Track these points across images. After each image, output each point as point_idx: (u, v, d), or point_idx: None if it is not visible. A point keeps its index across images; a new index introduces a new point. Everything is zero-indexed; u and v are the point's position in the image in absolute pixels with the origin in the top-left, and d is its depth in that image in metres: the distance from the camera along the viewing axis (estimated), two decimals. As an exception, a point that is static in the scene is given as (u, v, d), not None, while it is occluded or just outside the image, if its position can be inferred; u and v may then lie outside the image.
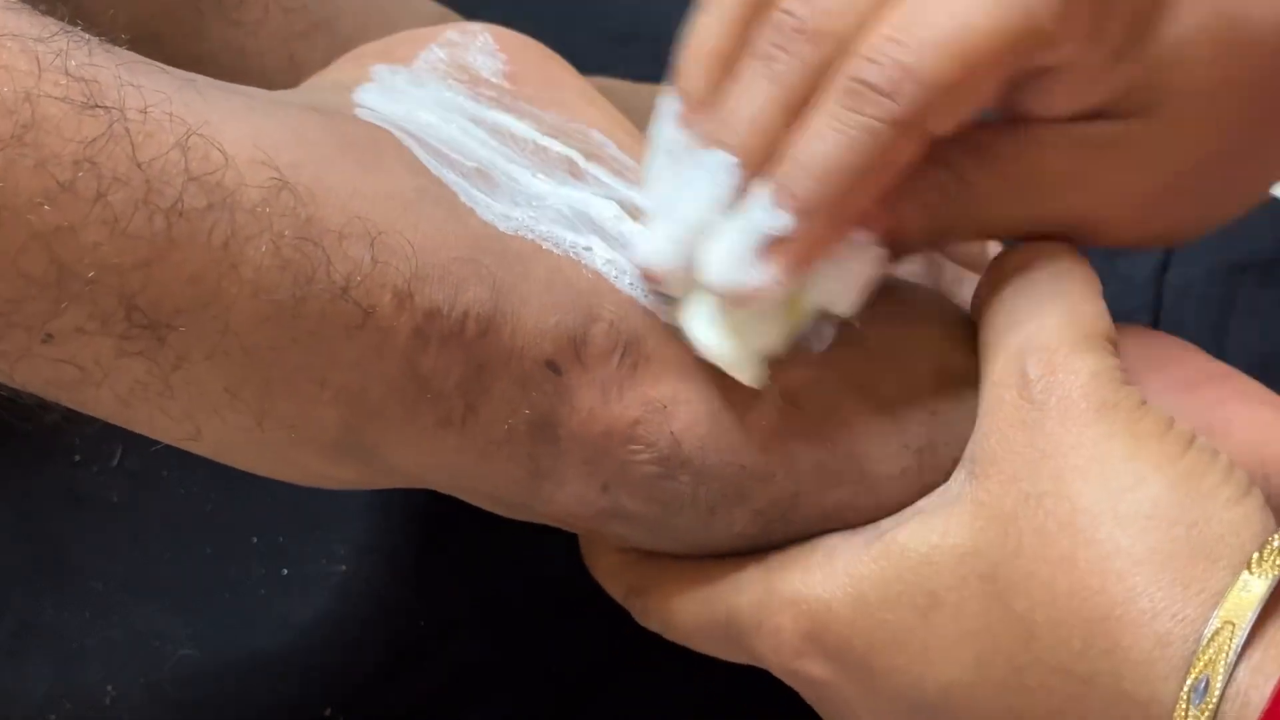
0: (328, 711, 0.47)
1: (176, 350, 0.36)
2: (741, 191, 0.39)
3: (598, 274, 0.40)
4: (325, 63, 0.44)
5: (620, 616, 0.48)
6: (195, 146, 0.35)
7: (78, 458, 0.49)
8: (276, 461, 0.39)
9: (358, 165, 0.38)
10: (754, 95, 0.39)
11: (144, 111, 0.35)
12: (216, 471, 0.49)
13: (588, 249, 0.40)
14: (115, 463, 0.49)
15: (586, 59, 0.45)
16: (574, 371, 0.39)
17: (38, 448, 0.49)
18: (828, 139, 0.38)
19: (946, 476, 0.40)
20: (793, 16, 0.39)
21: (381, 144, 0.39)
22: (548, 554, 0.48)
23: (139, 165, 0.35)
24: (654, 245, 0.39)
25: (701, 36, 0.40)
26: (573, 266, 0.40)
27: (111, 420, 0.38)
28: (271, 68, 0.50)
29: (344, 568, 0.48)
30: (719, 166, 0.39)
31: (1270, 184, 0.45)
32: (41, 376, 0.36)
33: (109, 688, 0.47)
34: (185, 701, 0.47)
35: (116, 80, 0.35)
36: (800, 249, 0.39)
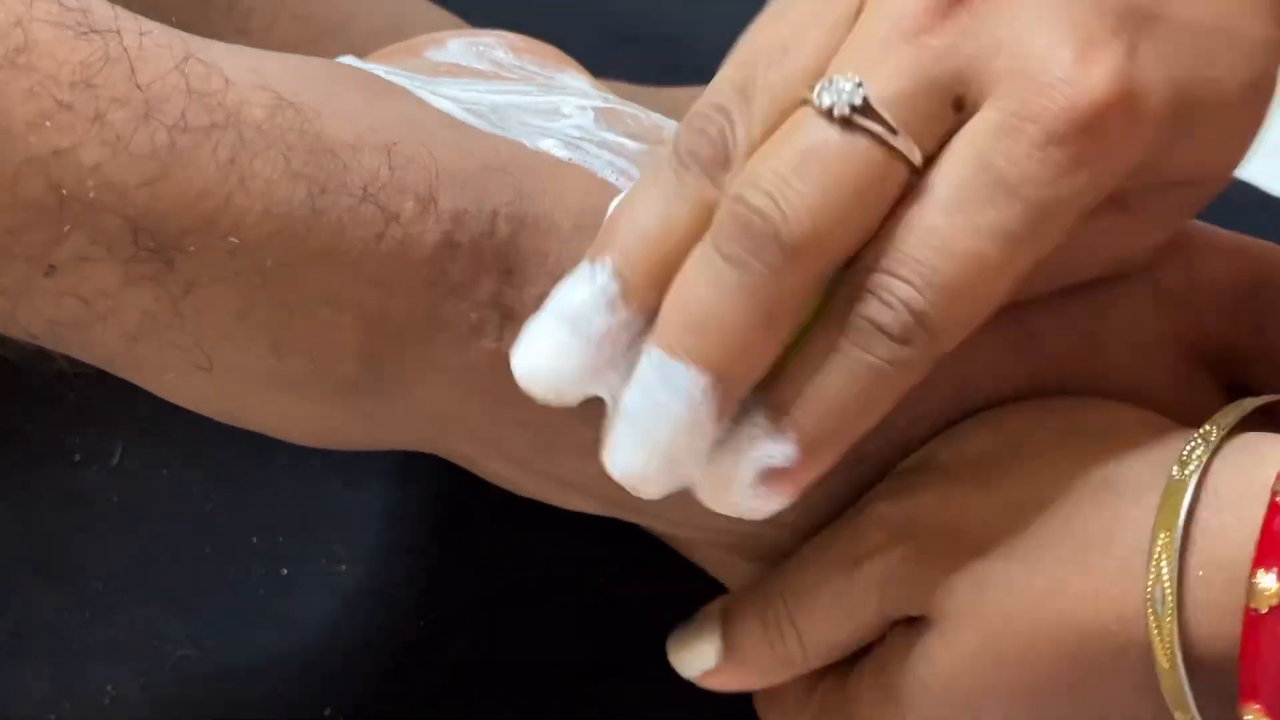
0: (328, 711, 0.47)
1: (186, 274, 0.35)
2: (720, 411, 0.36)
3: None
4: None
5: (620, 616, 0.48)
6: (195, 70, 0.35)
7: (78, 458, 0.49)
8: (288, 407, 0.38)
9: (366, 94, 0.38)
10: (726, 306, 0.36)
11: (141, 36, 0.35)
12: (216, 471, 0.49)
13: (621, 174, 0.39)
14: (115, 463, 0.49)
15: (586, 59, 0.45)
16: None
17: (38, 448, 0.49)
18: (835, 378, 0.36)
19: None
20: (763, 219, 0.35)
21: (391, 86, 0.39)
22: (548, 554, 0.49)
23: (138, 87, 0.34)
24: (634, 461, 0.37)
25: (644, 214, 0.37)
26: (601, 181, 0.39)
27: (117, 368, 0.37)
28: None
29: (344, 568, 0.48)
30: (692, 385, 0.36)
31: None
32: (45, 315, 0.35)
33: (109, 688, 0.47)
34: (185, 701, 0.47)
35: (111, 12, 0.35)
36: (805, 479, 0.37)
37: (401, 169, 0.36)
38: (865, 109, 0.35)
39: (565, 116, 0.41)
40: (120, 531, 0.49)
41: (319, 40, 0.51)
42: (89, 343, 0.36)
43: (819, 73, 0.37)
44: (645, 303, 0.36)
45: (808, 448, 0.36)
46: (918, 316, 0.36)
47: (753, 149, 0.36)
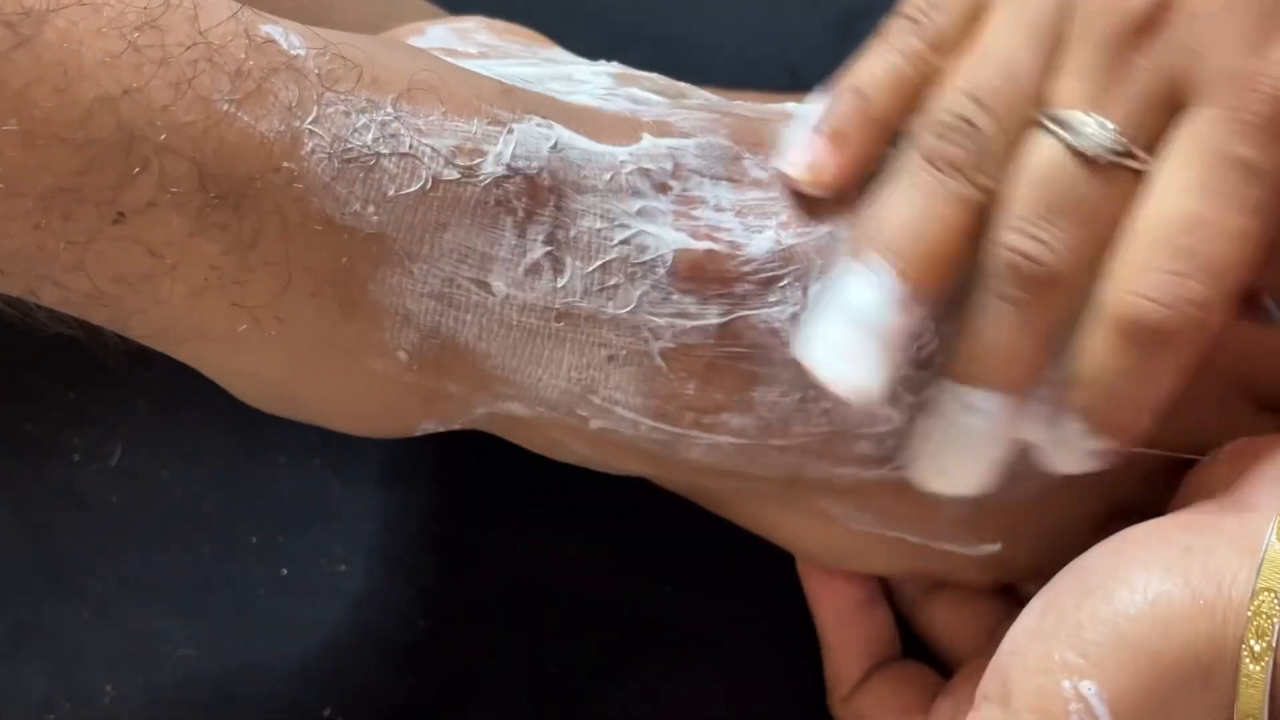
0: (327, 711, 0.47)
1: (253, 223, 0.35)
2: (1012, 421, 0.40)
3: None
4: None
5: (619, 616, 0.48)
6: (250, 21, 0.36)
7: (77, 458, 0.49)
8: (348, 382, 0.38)
9: (408, 50, 0.39)
10: (1009, 338, 0.39)
11: None
12: (216, 471, 0.49)
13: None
14: (115, 463, 0.49)
15: (586, 59, 0.45)
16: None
17: (38, 448, 0.49)
18: (1124, 379, 0.39)
19: None
20: (1034, 262, 0.39)
21: (418, 50, 0.40)
22: (548, 554, 0.49)
23: (200, 32, 0.35)
24: (952, 481, 0.41)
25: (913, 218, 0.40)
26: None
27: (175, 337, 0.37)
28: None
29: (344, 567, 0.48)
30: (987, 403, 0.40)
31: None
32: (111, 267, 0.35)
33: (108, 688, 0.47)
34: (185, 701, 0.47)
35: None
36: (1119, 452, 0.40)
37: (454, 114, 0.37)
38: (1117, 150, 0.39)
39: (583, 82, 0.41)
40: (120, 531, 0.49)
41: None
42: (153, 300, 0.36)
43: (1043, 98, 0.40)
44: (929, 299, 0.40)
45: (1122, 438, 0.40)
46: (1194, 302, 0.38)
47: (998, 159, 0.40)
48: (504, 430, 0.41)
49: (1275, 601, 0.35)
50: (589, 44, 0.46)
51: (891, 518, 0.43)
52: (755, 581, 0.45)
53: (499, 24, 0.44)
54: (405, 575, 0.48)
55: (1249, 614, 0.36)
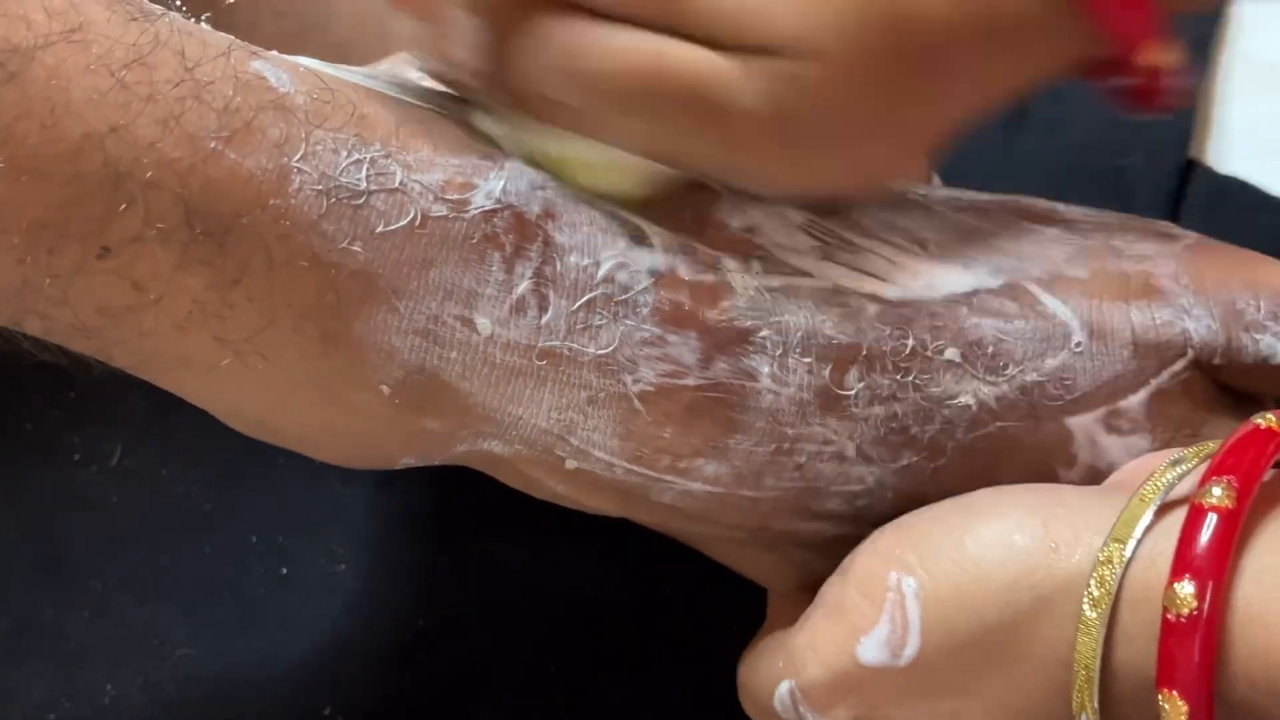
0: (327, 711, 0.47)
1: (238, 258, 0.35)
2: None
3: None
4: None
5: (619, 616, 0.48)
6: (239, 58, 0.36)
7: (77, 457, 0.49)
8: (331, 416, 0.38)
9: (398, 94, 0.39)
10: None
11: (185, 24, 0.36)
12: (216, 471, 0.49)
13: None
14: (115, 463, 0.49)
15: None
16: None
17: (38, 448, 0.49)
18: None
19: None
20: None
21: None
22: (547, 555, 0.49)
23: (188, 69, 0.35)
24: None
25: None
26: None
27: (159, 368, 0.37)
28: None
29: (344, 567, 0.48)
30: None
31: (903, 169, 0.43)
32: (95, 300, 0.35)
33: (108, 687, 0.47)
34: (185, 701, 0.47)
35: (157, 3, 0.36)
36: None
37: (444, 151, 0.38)
38: None
39: None
40: (120, 531, 0.49)
41: (300, 35, 0.51)
42: (137, 332, 0.36)
43: None
44: None
45: None
46: None
47: None
48: (483, 466, 0.41)
49: (1122, 552, 0.36)
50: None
51: None
52: (755, 581, 0.45)
53: None
54: (405, 575, 0.48)
55: (1098, 559, 0.36)
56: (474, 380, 0.38)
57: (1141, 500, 0.37)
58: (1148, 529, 0.37)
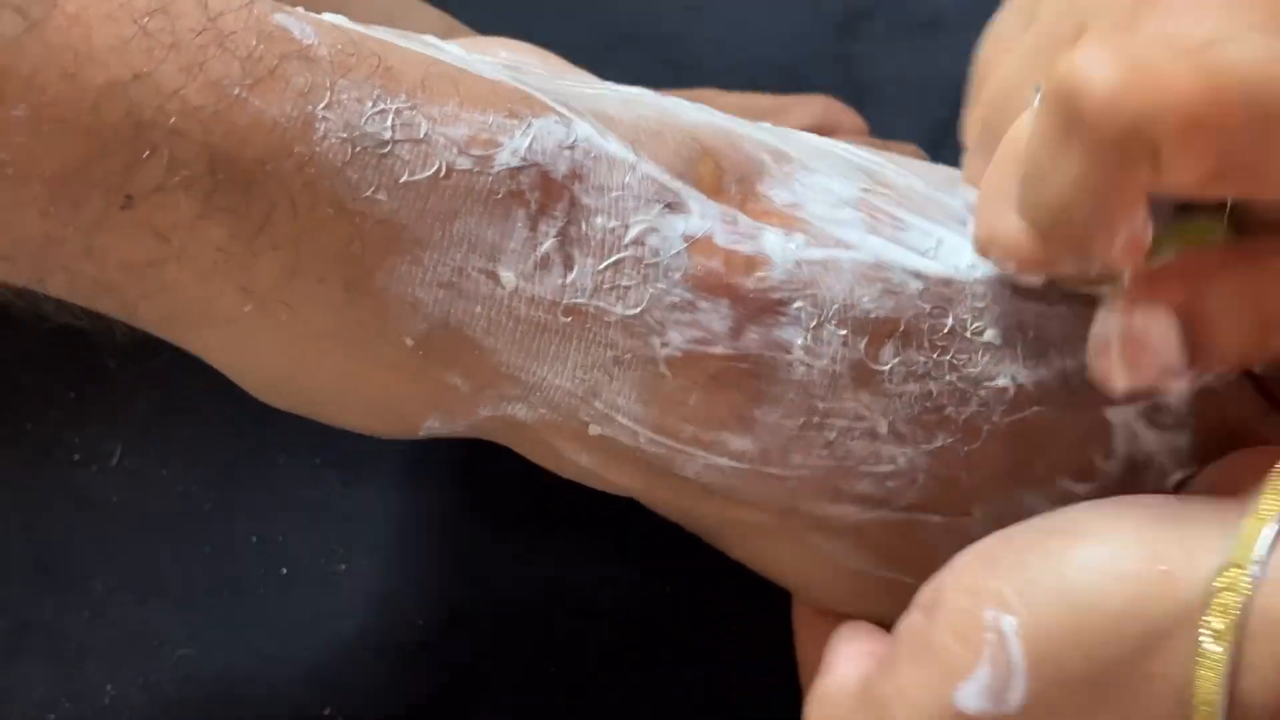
0: (327, 711, 0.47)
1: (261, 207, 0.35)
2: None
3: None
4: None
5: (619, 616, 0.48)
6: (262, 10, 0.36)
7: (77, 457, 0.49)
8: (351, 372, 0.38)
9: (423, 44, 0.39)
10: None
11: None
12: (216, 471, 0.49)
13: None
14: (115, 462, 0.49)
15: (586, 59, 0.45)
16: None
17: (38, 448, 0.49)
18: None
19: None
20: None
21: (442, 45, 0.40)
22: (548, 555, 0.49)
23: (210, 19, 0.35)
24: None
25: None
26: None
27: (182, 325, 0.37)
28: None
29: (344, 567, 0.48)
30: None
31: None
32: (119, 251, 0.35)
33: (108, 687, 0.47)
34: (185, 701, 0.47)
35: None
36: None
37: (470, 106, 0.37)
38: None
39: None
40: (120, 531, 0.49)
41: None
42: (159, 286, 0.36)
43: None
44: None
45: None
46: None
47: None
48: (506, 438, 0.41)
49: (1245, 579, 0.34)
50: (589, 44, 0.46)
51: (890, 559, 0.42)
52: (755, 581, 0.45)
53: (515, 44, 0.44)
54: (406, 575, 0.48)
55: (1216, 587, 0.34)
56: (499, 336, 0.38)
57: (1259, 518, 0.34)
58: (1270, 547, 0.34)
